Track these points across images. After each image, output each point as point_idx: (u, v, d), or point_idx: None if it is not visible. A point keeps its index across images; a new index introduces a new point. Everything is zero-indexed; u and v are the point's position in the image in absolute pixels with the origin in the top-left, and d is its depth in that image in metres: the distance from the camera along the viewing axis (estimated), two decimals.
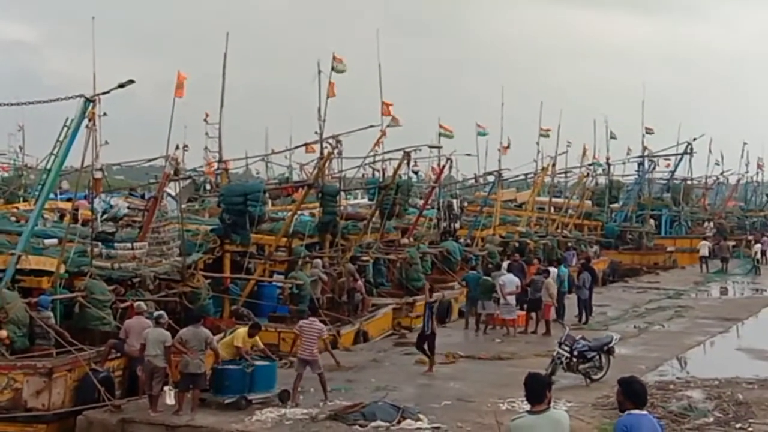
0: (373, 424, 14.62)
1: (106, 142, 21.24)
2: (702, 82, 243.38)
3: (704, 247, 47.56)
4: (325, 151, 28.53)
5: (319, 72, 30.84)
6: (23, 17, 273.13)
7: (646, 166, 58.30)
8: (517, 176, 52.39)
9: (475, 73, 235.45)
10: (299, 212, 28.11)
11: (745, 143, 72.83)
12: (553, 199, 52.16)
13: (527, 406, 7.74)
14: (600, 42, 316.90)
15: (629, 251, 52.52)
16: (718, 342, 25.29)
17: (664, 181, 61.97)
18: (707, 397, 16.64)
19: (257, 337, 16.99)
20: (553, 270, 27.71)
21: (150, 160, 39.10)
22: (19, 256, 17.37)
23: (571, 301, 28.09)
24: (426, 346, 19.94)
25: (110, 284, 18.97)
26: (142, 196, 32.89)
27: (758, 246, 48.47)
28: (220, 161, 36.49)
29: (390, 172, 34.11)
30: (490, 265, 32.27)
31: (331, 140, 27.75)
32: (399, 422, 14.71)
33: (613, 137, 57.92)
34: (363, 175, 39.91)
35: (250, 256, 24.92)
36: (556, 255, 38.89)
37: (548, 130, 49.41)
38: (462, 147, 43.46)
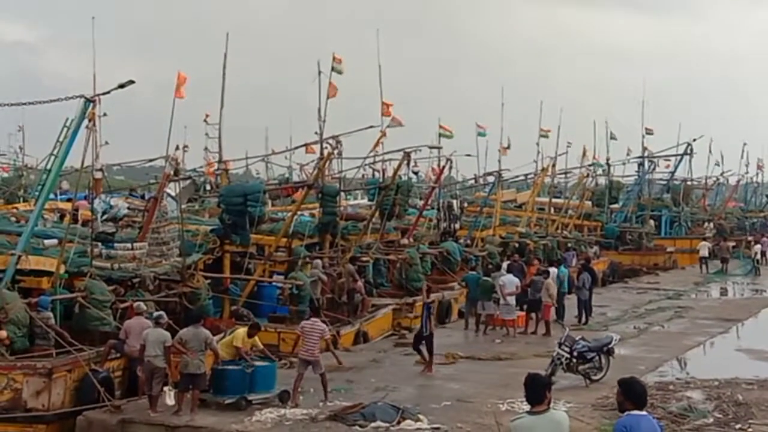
0: (372, 424, 14.62)
1: (106, 143, 21.36)
2: (702, 83, 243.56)
3: (704, 248, 47.57)
4: (325, 152, 28.54)
5: (320, 72, 30.93)
6: (23, 17, 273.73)
7: (646, 166, 58.29)
8: (517, 177, 52.37)
9: (474, 73, 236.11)
10: (299, 213, 28.10)
11: (745, 144, 73.06)
12: (553, 200, 52.17)
13: (527, 407, 7.75)
14: (600, 42, 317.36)
15: (629, 252, 52.49)
16: (717, 343, 25.29)
17: (664, 182, 61.95)
18: (707, 397, 16.64)
19: (256, 338, 17.00)
20: (552, 270, 27.72)
21: (150, 161, 39.23)
22: (19, 257, 17.35)
23: (570, 301, 28.09)
24: (424, 347, 19.94)
25: (110, 284, 18.96)
26: (142, 197, 32.93)
27: (758, 247, 48.44)
28: (220, 161, 36.43)
29: (390, 173, 34.15)
30: (489, 266, 32.22)
31: (331, 141, 27.73)
32: (399, 423, 14.70)
33: (613, 138, 58.01)
34: (363, 175, 39.99)
35: (250, 257, 24.90)
36: (556, 255, 38.89)
37: (548, 130, 49.45)
38: (462, 147, 43.31)
